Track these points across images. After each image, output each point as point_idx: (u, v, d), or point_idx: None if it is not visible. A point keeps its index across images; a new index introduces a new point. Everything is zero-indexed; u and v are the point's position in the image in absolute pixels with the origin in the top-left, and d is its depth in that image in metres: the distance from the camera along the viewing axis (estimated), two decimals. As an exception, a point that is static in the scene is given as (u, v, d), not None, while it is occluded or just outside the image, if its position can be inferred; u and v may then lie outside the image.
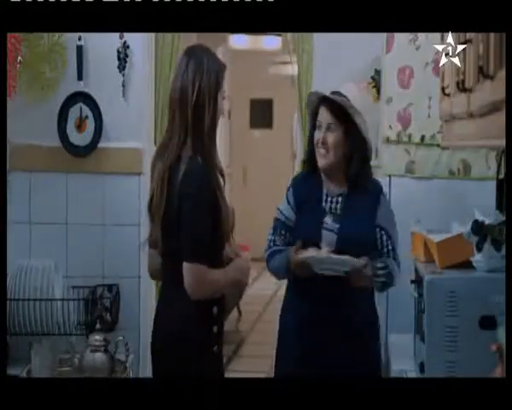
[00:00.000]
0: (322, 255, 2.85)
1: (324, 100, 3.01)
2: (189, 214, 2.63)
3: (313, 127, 3.04)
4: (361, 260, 2.85)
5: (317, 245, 2.93)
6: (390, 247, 3.00)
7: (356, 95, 3.06)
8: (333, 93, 3.02)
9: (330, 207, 3.02)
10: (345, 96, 2.99)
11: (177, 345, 2.70)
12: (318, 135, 3.00)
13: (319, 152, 3.00)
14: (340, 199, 3.01)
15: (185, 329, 2.70)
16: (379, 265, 2.92)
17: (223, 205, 2.70)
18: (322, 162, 3.01)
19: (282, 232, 3.09)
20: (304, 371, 2.95)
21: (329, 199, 3.03)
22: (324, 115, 3.00)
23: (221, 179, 2.75)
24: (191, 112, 2.67)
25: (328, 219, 3.00)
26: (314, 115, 3.04)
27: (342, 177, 3.02)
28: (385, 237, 2.99)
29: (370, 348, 3.01)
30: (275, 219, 3.14)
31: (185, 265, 2.63)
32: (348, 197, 3.01)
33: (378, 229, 2.99)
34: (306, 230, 3.02)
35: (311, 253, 2.87)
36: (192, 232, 2.63)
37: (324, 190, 3.04)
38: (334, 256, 2.85)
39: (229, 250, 2.81)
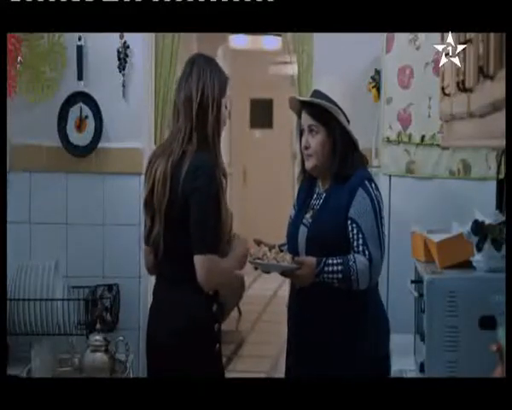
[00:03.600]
0: (263, 260, 2.89)
1: (304, 103, 3.05)
2: (200, 206, 2.66)
3: (300, 133, 3.06)
4: (293, 264, 2.85)
5: (296, 241, 3.01)
6: (360, 241, 2.88)
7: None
8: (314, 92, 3.06)
9: (314, 204, 3.05)
10: (325, 95, 3.01)
11: (180, 345, 2.71)
12: (303, 140, 3.04)
13: (305, 156, 3.04)
14: (323, 195, 3.03)
15: (188, 328, 2.71)
16: (329, 261, 2.86)
17: (223, 205, 2.72)
18: (307, 166, 3.05)
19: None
20: (302, 370, 2.97)
21: (317, 196, 3.06)
22: (305, 119, 3.03)
23: (224, 180, 2.77)
24: (195, 113, 2.74)
25: (307, 215, 3.04)
26: (299, 121, 3.09)
27: (330, 174, 3.03)
28: (355, 231, 2.89)
29: (368, 347, 3.00)
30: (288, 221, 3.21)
31: (198, 258, 2.65)
32: (329, 193, 3.01)
33: (349, 222, 2.90)
34: (291, 226, 3.11)
35: (259, 254, 2.91)
36: (204, 224, 2.67)
37: (316, 189, 3.08)
38: (268, 263, 2.89)
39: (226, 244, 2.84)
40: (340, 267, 2.85)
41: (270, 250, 2.91)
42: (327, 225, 2.95)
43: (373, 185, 2.96)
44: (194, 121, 2.73)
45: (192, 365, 2.69)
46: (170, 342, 2.73)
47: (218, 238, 2.73)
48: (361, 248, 2.88)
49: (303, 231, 3.02)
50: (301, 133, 3.06)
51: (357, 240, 2.88)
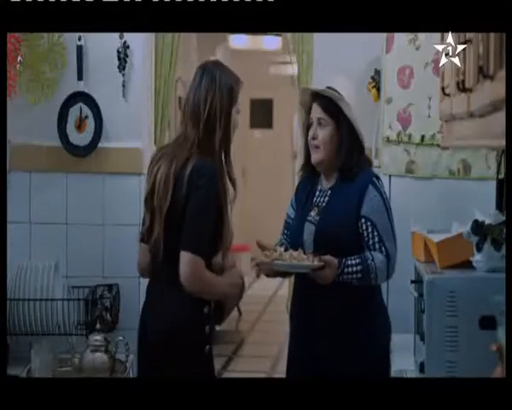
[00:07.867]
0: (284, 261, 2.87)
1: (315, 96, 3.07)
2: (197, 205, 2.66)
3: (308, 126, 3.08)
4: (317, 262, 2.84)
5: (301, 239, 2.99)
6: (376, 239, 2.92)
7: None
8: (326, 88, 3.08)
9: (318, 201, 3.05)
10: (335, 90, 3.05)
11: (169, 344, 2.71)
12: (310, 132, 3.05)
13: (311, 148, 3.05)
14: (328, 192, 3.04)
15: (178, 329, 2.71)
16: (349, 262, 2.88)
17: (225, 215, 2.72)
18: (314, 158, 3.06)
19: (285, 231, 3.19)
20: (302, 370, 2.98)
21: (320, 194, 3.06)
22: (315, 111, 3.05)
23: (232, 189, 2.77)
24: (203, 126, 2.73)
25: (312, 212, 3.04)
26: (308, 114, 3.10)
27: (336, 171, 3.04)
28: (370, 229, 2.92)
29: (369, 347, 3.00)
30: (285, 219, 3.22)
31: (184, 254, 2.64)
32: (335, 190, 3.02)
33: (363, 220, 2.93)
34: (294, 224, 3.11)
35: (275, 255, 2.89)
36: (196, 224, 2.66)
37: (319, 187, 3.08)
38: (291, 263, 2.86)
39: (224, 261, 2.83)
40: (359, 267, 2.88)
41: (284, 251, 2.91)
42: (337, 222, 2.96)
43: (380, 183, 3.02)
44: (201, 133, 2.73)
45: (180, 365, 2.69)
46: (159, 341, 2.74)
47: (212, 246, 2.72)
48: (377, 246, 2.92)
49: (309, 229, 3.01)
50: (309, 126, 3.06)
51: (373, 238, 2.92)
